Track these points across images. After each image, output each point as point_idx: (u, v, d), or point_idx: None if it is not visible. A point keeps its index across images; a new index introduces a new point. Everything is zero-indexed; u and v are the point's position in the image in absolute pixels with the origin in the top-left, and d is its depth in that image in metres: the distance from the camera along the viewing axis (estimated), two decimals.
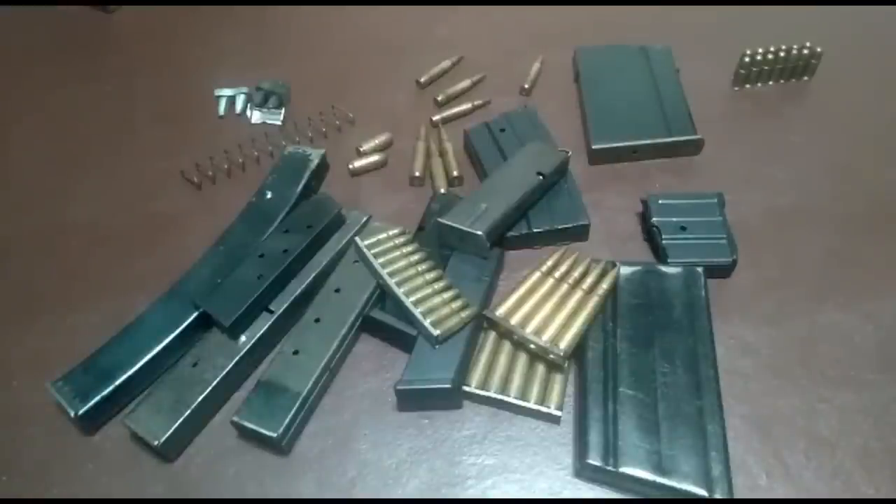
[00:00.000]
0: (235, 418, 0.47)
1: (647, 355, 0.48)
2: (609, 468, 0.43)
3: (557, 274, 0.53)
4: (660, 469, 0.43)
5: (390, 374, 0.51)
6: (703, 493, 0.42)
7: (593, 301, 0.51)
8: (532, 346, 0.49)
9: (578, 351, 0.50)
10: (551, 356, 0.48)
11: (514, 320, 0.50)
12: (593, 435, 0.45)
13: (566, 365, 0.49)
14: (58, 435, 0.49)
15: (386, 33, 0.84)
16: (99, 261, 0.61)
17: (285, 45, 0.84)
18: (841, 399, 0.48)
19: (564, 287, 0.52)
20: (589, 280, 0.53)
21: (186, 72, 0.81)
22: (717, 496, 0.41)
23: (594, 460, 0.44)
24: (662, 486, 0.42)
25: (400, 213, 0.62)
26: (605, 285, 0.52)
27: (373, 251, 0.54)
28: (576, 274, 0.53)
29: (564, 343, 0.48)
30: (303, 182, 0.60)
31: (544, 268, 0.54)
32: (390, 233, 0.56)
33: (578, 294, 0.51)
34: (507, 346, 0.51)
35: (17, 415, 0.51)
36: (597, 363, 0.48)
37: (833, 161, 0.65)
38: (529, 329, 0.49)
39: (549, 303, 0.51)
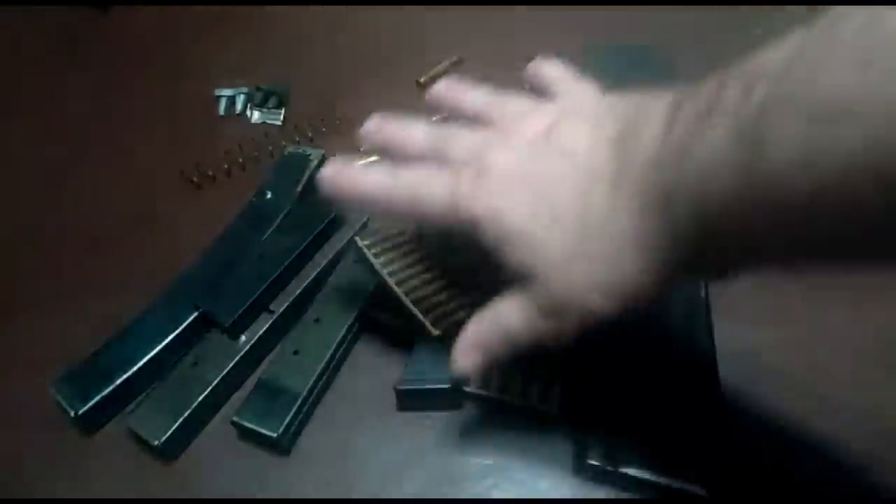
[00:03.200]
0: (235, 418, 0.47)
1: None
2: (609, 468, 0.43)
3: None
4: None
5: (390, 374, 0.51)
6: (703, 492, 0.42)
7: None
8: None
9: None
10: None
11: None
12: (593, 435, 0.45)
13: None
14: (58, 435, 0.49)
15: (386, 33, 0.84)
16: (97, 261, 0.61)
17: (285, 45, 0.84)
18: (841, 399, 0.48)
19: None
20: None
21: (186, 72, 0.81)
22: None
23: (594, 460, 0.44)
24: (662, 486, 0.42)
25: None
26: None
27: (373, 251, 0.54)
28: None
29: None
30: (303, 182, 0.60)
31: None
32: (390, 233, 0.56)
33: None
34: None
35: (17, 415, 0.51)
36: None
37: None
38: None
39: None
